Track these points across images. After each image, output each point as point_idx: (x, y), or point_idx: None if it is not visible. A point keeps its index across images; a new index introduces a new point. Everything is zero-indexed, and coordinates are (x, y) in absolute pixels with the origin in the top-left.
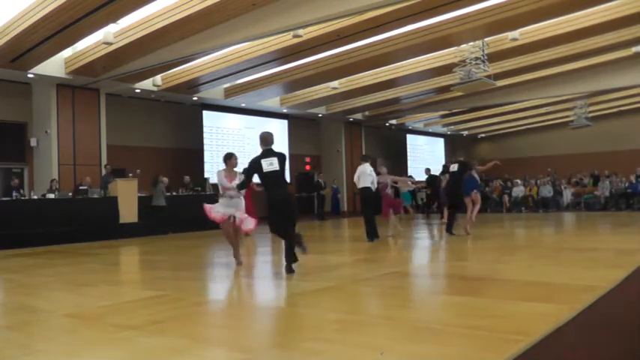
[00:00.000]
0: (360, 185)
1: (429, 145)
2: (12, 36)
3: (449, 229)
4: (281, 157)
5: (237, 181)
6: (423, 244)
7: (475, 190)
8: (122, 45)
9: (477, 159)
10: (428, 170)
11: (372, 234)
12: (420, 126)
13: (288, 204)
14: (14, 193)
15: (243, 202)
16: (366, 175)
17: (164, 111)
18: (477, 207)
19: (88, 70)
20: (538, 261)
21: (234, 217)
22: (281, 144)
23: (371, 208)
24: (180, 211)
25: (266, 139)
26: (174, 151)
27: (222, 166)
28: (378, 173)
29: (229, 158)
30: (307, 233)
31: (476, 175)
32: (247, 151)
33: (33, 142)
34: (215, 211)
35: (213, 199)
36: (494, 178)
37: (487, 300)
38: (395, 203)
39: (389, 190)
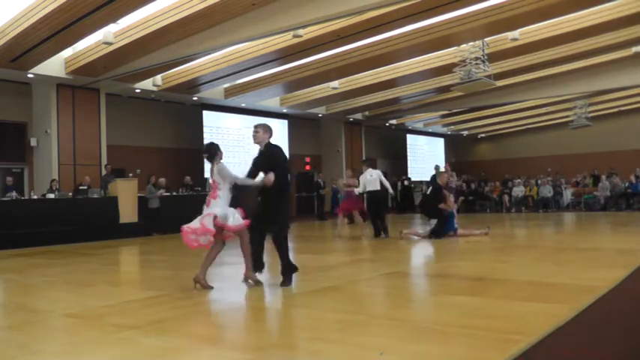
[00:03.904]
0: (368, 189)
1: (429, 145)
2: (12, 36)
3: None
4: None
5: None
6: (423, 245)
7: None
8: (122, 45)
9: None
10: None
11: (377, 232)
12: (420, 126)
13: None
14: (14, 193)
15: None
16: (366, 179)
17: (164, 111)
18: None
19: (88, 70)
20: (538, 261)
21: None
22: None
23: (374, 210)
24: (179, 211)
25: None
26: (174, 151)
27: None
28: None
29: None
30: (307, 233)
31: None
32: (247, 151)
33: (33, 142)
34: None
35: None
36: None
37: (487, 300)
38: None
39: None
